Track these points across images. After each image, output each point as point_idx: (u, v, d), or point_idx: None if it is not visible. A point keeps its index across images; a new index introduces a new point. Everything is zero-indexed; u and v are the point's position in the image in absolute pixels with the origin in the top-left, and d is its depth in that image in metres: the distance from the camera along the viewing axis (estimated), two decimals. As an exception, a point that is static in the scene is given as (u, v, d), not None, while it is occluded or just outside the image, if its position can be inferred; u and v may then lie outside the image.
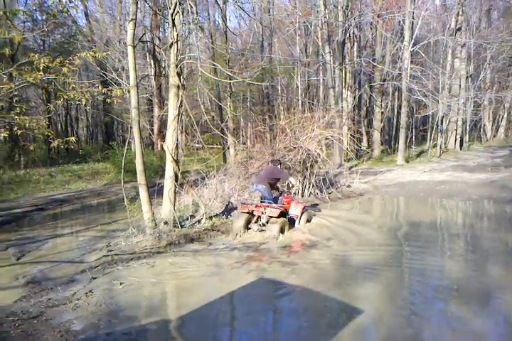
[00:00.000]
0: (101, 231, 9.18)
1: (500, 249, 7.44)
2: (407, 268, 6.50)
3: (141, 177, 7.95)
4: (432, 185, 14.38)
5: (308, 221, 9.31)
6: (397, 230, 8.73)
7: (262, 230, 8.38)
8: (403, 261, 6.78)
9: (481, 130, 34.81)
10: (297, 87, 29.07)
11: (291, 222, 8.98)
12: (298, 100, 27.99)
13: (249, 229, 8.49)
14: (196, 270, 6.41)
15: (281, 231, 8.34)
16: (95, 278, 6.12)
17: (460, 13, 25.68)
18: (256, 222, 8.58)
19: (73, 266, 6.71)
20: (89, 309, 5.07)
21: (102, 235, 8.76)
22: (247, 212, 8.58)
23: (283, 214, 8.65)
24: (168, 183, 8.38)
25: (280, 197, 9.19)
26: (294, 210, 9.08)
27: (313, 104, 22.59)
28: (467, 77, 27.92)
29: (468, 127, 29.50)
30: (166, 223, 8.27)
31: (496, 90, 31.86)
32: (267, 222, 8.44)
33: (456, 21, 25.60)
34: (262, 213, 8.50)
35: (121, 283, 5.86)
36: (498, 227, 9.26)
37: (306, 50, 29.36)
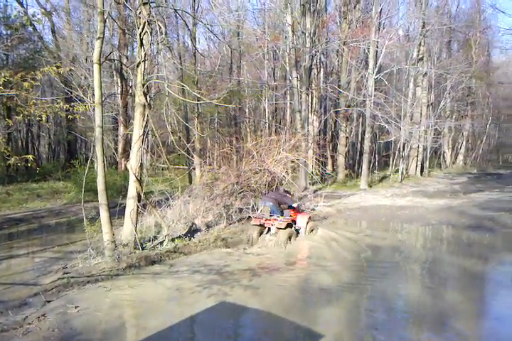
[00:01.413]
0: (58, 252, 8.82)
1: (457, 273, 7.59)
2: (367, 292, 6.50)
3: (102, 197, 7.73)
4: (394, 210, 14.65)
5: (312, 230, 10.47)
6: (359, 254, 8.77)
7: (272, 240, 9.56)
8: (364, 285, 6.78)
9: (441, 157, 36.02)
10: (265, 109, 29.42)
11: (298, 232, 10.26)
12: (265, 123, 28.27)
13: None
14: (156, 293, 6.21)
15: (289, 239, 9.53)
16: (49, 301, 5.83)
17: (422, 43, 26.85)
18: (267, 233, 9.89)
19: (26, 289, 6.39)
20: (41, 334, 4.81)
21: (59, 256, 8.41)
22: (259, 225, 9.81)
23: (289, 225, 9.81)
24: (131, 203, 8.18)
25: (287, 210, 10.33)
26: (301, 221, 10.38)
27: (280, 127, 22.89)
28: (428, 105, 29.00)
29: (428, 154, 30.46)
30: (126, 245, 8.04)
31: (455, 119, 33.21)
32: (276, 233, 9.64)
33: (419, 51, 26.72)
34: (272, 225, 9.69)
35: (76, 307, 5.60)
36: (456, 252, 9.47)
37: (274, 73, 29.86)
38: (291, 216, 10.25)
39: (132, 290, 6.36)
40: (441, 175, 30.31)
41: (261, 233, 9.91)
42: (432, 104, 29.59)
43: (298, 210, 10.65)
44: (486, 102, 36.95)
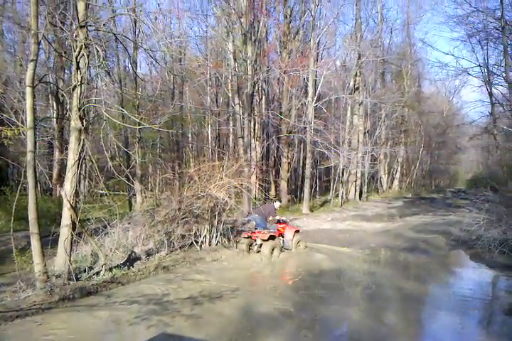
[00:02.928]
0: (-17, 286, 8.15)
1: (395, 296, 7.76)
2: (309, 318, 6.48)
3: (33, 226, 7.27)
4: (334, 234, 14.93)
5: (299, 241, 11.63)
6: (300, 279, 8.79)
7: (258, 251, 10.82)
8: (306, 311, 6.76)
9: (378, 182, 37.44)
10: (208, 135, 29.46)
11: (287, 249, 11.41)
12: (208, 148, 28.27)
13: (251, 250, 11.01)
14: (91, 327, 5.86)
15: (272, 250, 10.61)
16: (-28, 340, 5.34)
17: (358, 74, 28.23)
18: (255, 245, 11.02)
19: None
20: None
21: (-16, 291, 7.77)
22: (248, 237, 11.07)
23: (272, 237, 10.88)
24: (65, 232, 7.76)
25: (275, 225, 11.62)
26: (288, 234, 11.54)
27: (223, 152, 22.92)
28: (365, 132, 30.28)
29: (366, 179, 31.57)
30: (59, 276, 7.57)
31: (390, 145, 34.83)
32: (261, 245, 10.78)
33: (355, 81, 28.04)
34: (257, 237, 10.89)
35: (1, 346, 5.15)
36: (394, 275, 9.72)
37: (216, 100, 30.14)
38: (278, 229, 11.50)
39: (66, 324, 5.96)
40: (379, 199, 31.43)
41: (250, 245, 11.09)
42: (368, 131, 30.91)
43: (287, 224, 12.01)
44: (418, 130, 39.13)
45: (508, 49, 19.72)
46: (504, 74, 20.46)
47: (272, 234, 10.93)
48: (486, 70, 24.06)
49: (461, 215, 16.98)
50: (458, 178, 60.32)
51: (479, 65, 23.97)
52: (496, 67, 23.75)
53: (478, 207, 13.79)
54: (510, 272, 9.11)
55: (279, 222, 11.89)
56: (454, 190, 44.98)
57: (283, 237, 11.53)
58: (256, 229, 11.29)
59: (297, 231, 11.90)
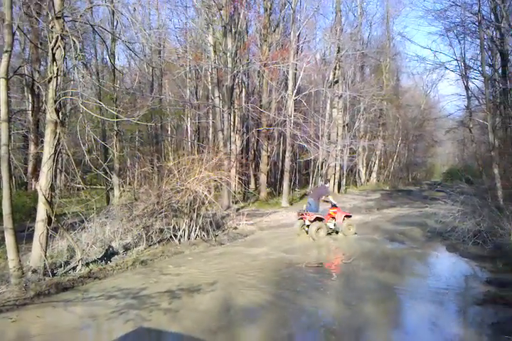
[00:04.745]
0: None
1: (372, 287, 7.88)
2: (287, 310, 6.55)
3: (7, 221, 7.15)
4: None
5: (350, 225, 13.00)
6: (278, 272, 8.86)
7: (307, 231, 12.58)
8: (284, 303, 6.83)
9: (356, 175, 37.80)
10: (187, 128, 29.25)
11: (337, 232, 13.00)
12: (187, 142, 28.08)
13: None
14: (67, 322, 5.82)
15: (317, 231, 12.30)
16: None
17: (337, 67, 28.30)
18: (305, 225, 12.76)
19: None
20: None
21: (-44, 287, 7.61)
22: (301, 218, 12.84)
23: (318, 219, 12.48)
24: (40, 227, 7.66)
25: (327, 207, 13.27)
26: (338, 218, 12.95)
27: (202, 146, 22.83)
28: (344, 125, 30.47)
29: (345, 172, 31.83)
30: (34, 271, 7.47)
31: (368, 139, 35.14)
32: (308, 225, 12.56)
33: (334, 74, 28.11)
34: (306, 219, 12.56)
35: (-27, 343, 5.08)
36: (370, 266, 9.85)
37: (196, 92, 29.89)
38: (329, 213, 13.04)
39: (41, 320, 5.93)
40: (357, 192, 31.74)
41: (302, 225, 12.88)
42: (347, 124, 31.12)
43: (339, 209, 13.22)
44: (396, 123, 39.51)
45: (485, 43, 20.02)
46: (480, 69, 20.76)
47: (319, 216, 12.53)
48: (462, 64, 24.36)
49: (436, 207, 17.28)
50: (434, 171, 61.26)
51: (456, 59, 24.23)
52: (472, 61, 24.10)
53: (453, 199, 14.07)
54: (484, 263, 9.34)
55: (334, 206, 13.23)
56: (431, 183, 45.71)
57: (335, 220, 13.04)
58: (306, 211, 12.65)
59: (348, 216, 13.24)
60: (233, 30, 20.46)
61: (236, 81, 24.02)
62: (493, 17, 19.77)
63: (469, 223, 11.88)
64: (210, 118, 27.03)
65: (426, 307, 6.64)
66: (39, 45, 16.86)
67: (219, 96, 20.74)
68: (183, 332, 5.57)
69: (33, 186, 18.10)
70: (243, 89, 28.36)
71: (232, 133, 23.45)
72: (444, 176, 48.71)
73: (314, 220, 12.40)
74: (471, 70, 24.51)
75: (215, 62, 20.88)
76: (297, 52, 24.49)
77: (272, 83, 24.39)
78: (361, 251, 11.05)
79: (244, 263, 9.54)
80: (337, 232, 13.09)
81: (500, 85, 20.64)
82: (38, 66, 19.22)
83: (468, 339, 5.53)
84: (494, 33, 20.86)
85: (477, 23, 18.67)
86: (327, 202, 13.54)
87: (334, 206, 13.28)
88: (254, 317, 6.20)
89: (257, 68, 24.65)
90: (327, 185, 14.56)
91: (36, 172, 18.48)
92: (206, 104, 26.39)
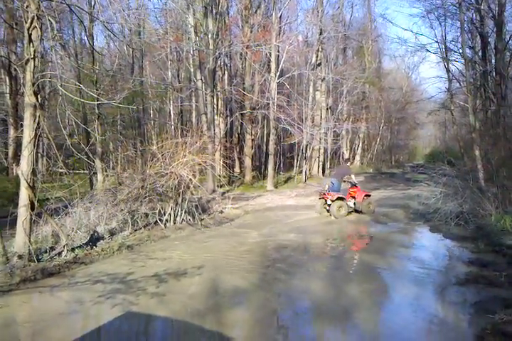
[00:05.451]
0: None
1: (357, 268, 8.00)
2: (274, 291, 6.61)
3: (-11, 207, 7.01)
4: (298, 209, 15.11)
5: (369, 203, 13.69)
6: (264, 254, 8.92)
7: (328, 209, 13.23)
8: (270, 285, 6.88)
9: (340, 158, 37.98)
10: (170, 111, 28.90)
11: (357, 211, 13.66)
12: (171, 125, 27.77)
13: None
14: (54, 308, 5.77)
15: (339, 210, 12.89)
16: None
17: (320, 49, 28.11)
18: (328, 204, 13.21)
19: None
20: None
21: None
22: (322, 198, 13.34)
23: (340, 198, 13.00)
24: (23, 212, 7.52)
25: (346, 187, 13.69)
26: (358, 196, 13.53)
27: (186, 129, 22.62)
28: (327, 108, 30.43)
29: (329, 155, 31.96)
30: (19, 257, 7.37)
31: (352, 121, 35.20)
32: (330, 204, 13.08)
33: (317, 57, 27.93)
34: (327, 198, 13.03)
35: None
36: (357, 247, 10.00)
37: (178, 75, 29.47)
38: (350, 193, 13.56)
39: (28, 306, 5.89)
40: (341, 174, 31.89)
41: (324, 204, 13.39)
42: (330, 107, 31.09)
43: (358, 188, 13.73)
44: (378, 106, 39.67)
45: (465, 26, 20.05)
46: (461, 51, 20.83)
47: (340, 195, 13.03)
48: (443, 46, 24.36)
49: (419, 189, 17.52)
50: (416, 153, 62.01)
51: (437, 42, 24.19)
52: (453, 43, 24.13)
53: (435, 181, 14.26)
54: (466, 243, 9.52)
55: (354, 185, 13.74)
56: (413, 165, 46.16)
57: (355, 199, 13.59)
58: (328, 191, 13.02)
59: (367, 195, 13.79)
60: (214, 11, 20.09)
61: (218, 63, 23.73)
62: (473, -1, 19.79)
63: (451, 204, 12.07)
64: (193, 101, 26.74)
65: (408, 288, 6.76)
66: (14, 26, 16.32)
67: (201, 79, 20.45)
68: (171, 316, 5.58)
69: (14, 171, 17.77)
70: (226, 72, 28.06)
71: (215, 117, 23.27)
72: (426, 158, 49.27)
73: (336, 199, 12.92)
74: (452, 52, 24.56)
75: (196, 44, 20.51)
76: (279, 34, 24.20)
77: (254, 65, 24.15)
78: (343, 232, 11.18)
79: (231, 246, 9.57)
80: (356, 211, 13.71)
81: (481, 67, 20.81)
82: (15, 47, 18.66)
83: (452, 318, 5.64)
84: (474, 15, 20.92)
85: (457, 5, 18.61)
86: (349, 181, 13.98)
87: (354, 185, 13.81)
88: (240, 300, 6.25)
89: (239, 50, 24.39)
90: (348, 164, 15.66)
91: (17, 157, 18.14)
92: (189, 87, 26.04)
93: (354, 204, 13.66)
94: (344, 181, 13.78)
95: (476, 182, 13.40)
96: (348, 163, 16.10)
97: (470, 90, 18.67)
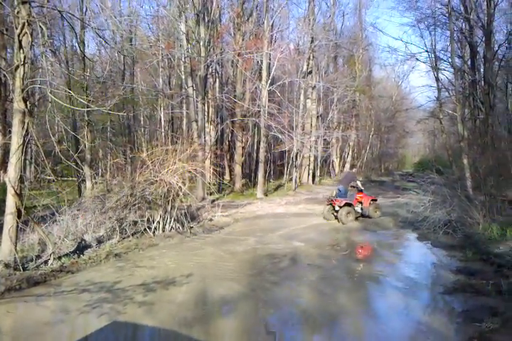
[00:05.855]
0: None
1: (346, 277, 8.00)
2: (262, 300, 6.57)
3: (-26, 214, 6.92)
4: (288, 217, 15.11)
5: (376, 207, 14.25)
6: (254, 262, 8.88)
7: (335, 215, 13.56)
8: (258, 294, 6.85)
9: (330, 165, 38.12)
10: (160, 118, 28.83)
11: (364, 216, 14.03)
12: (161, 132, 27.70)
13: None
14: (39, 317, 5.69)
15: (347, 215, 13.26)
16: None
17: (311, 57, 28.31)
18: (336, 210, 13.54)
19: None
20: None
21: None
22: (330, 204, 13.74)
23: (347, 204, 13.43)
24: (9, 220, 7.43)
25: (353, 193, 14.18)
26: (365, 202, 13.93)
27: (176, 136, 22.57)
28: (317, 116, 30.59)
29: (319, 163, 32.05)
30: (4, 266, 7.26)
31: (342, 129, 35.40)
32: (338, 211, 13.41)
33: (308, 65, 28.11)
34: (335, 204, 13.41)
35: None
36: (345, 256, 9.99)
37: (169, 82, 29.46)
38: (356, 198, 13.95)
39: (12, 316, 5.80)
40: (331, 182, 31.99)
41: (332, 210, 13.74)
42: (320, 115, 31.25)
43: (365, 194, 14.21)
44: (368, 114, 39.93)
45: (454, 35, 20.36)
46: (450, 60, 21.12)
47: (348, 201, 13.48)
48: (433, 56, 24.79)
49: (408, 197, 17.59)
50: (406, 161, 62.49)
51: (427, 51, 24.65)
52: (442, 52, 24.53)
53: (424, 190, 14.35)
54: (454, 252, 9.55)
55: (360, 191, 14.18)
56: (402, 173, 46.56)
57: (361, 204, 13.96)
58: (336, 197, 13.55)
59: (374, 200, 14.31)
60: (206, 19, 20.15)
61: (210, 70, 23.75)
62: (462, 9, 20.11)
63: (440, 213, 12.12)
64: (184, 108, 26.69)
65: (396, 296, 6.77)
66: (5, 31, 16.21)
67: (192, 86, 20.47)
68: (158, 325, 5.52)
69: (1, 178, 17.55)
70: (217, 79, 28.11)
71: (206, 124, 23.27)
72: (415, 166, 49.70)
73: (344, 206, 13.31)
74: (442, 62, 24.98)
75: (188, 51, 20.55)
76: (271, 42, 24.31)
77: (246, 73, 24.23)
78: (332, 239, 11.18)
79: (220, 255, 9.52)
80: (363, 216, 14.07)
81: (470, 77, 21.09)
82: (5, 53, 18.50)
83: (439, 327, 5.64)
84: (464, 24, 21.27)
85: (447, 15, 18.96)
86: (355, 187, 14.39)
87: (360, 191, 14.22)
88: (228, 309, 6.21)
89: (231, 58, 24.43)
90: (354, 170, 16.75)
91: (4, 164, 17.90)
92: (180, 94, 26.04)
93: (361, 209, 14.03)
94: (352, 187, 14.33)
95: (464, 190, 13.53)
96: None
97: (459, 99, 18.93)
